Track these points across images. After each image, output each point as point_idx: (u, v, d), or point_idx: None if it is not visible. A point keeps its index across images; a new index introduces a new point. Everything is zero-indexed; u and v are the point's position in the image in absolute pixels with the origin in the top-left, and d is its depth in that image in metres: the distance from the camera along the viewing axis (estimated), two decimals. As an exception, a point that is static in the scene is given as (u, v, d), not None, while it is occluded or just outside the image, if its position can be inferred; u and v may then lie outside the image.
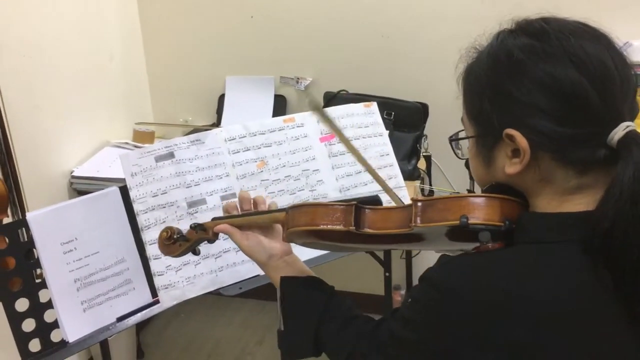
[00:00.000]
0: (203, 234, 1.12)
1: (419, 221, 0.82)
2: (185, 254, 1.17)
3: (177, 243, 1.15)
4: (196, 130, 2.53)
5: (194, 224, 1.13)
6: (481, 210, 0.78)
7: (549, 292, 0.70)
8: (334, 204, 0.93)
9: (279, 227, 1.07)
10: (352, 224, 0.89)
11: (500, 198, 0.79)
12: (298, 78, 2.51)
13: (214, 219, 1.13)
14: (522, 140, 0.74)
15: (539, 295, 0.70)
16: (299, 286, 1.02)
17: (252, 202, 1.11)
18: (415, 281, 2.64)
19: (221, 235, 1.12)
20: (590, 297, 0.71)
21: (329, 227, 0.91)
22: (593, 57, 0.73)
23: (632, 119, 0.75)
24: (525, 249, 0.75)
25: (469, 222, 0.77)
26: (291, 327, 1.00)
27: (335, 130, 1.04)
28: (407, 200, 1.01)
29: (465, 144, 0.87)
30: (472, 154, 0.85)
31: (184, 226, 1.34)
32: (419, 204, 0.83)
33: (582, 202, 0.75)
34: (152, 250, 1.32)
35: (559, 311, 0.69)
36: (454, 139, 0.89)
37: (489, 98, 0.78)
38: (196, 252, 1.18)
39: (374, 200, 0.95)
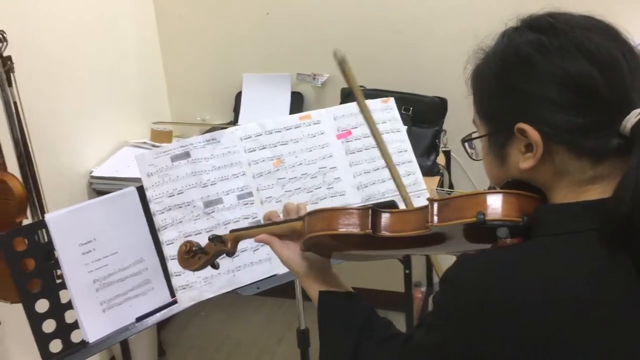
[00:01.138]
0: (222, 246, 1.11)
1: (435, 220, 0.81)
2: (204, 268, 1.16)
3: (197, 256, 1.13)
4: (214, 128, 2.53)
5: (212, 235, 1.12)
6: (498, 207, 0.77)
7: (570, 286, 0.69)
8: (350, 208, 0.92)
9: None
10: (369, 227, 0.88)
11: (517, 194, 0.78)
12: (315, 74, 2.50)
13: (231, 231, 1.12)
14: (534, 134, 0.75)
15: (560, 290, 0.69)
16: (339, 302, 1.00)
17: (296, 210, 1.09)
18: (435, 277, 2.62)
19: None
20: (612, 287, 0.70)
21: (346, 231, 0.90)
22: (601, 48, 0.73)
23: None
24: (544, 241, 0.74)
25: (486, 218, 0.76)
26: (329, 343, 0.98)
27: (363, 107, 1.03)
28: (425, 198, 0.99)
29: (479, 145, 0.87)
30: (485, 153, 0.85)
31: (201, 226, 1.34)
32: (435, 203, 0.82)
33: (599, 192, 0.75)
34: (169, 250, 1.31)
35: (581, 304, 0.68)
36: (467, 140, 0.89)
37: (499, 95, 0.79)
38: (215, 266, 1.16)
39: (391, 205, 0.94)
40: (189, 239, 1.21)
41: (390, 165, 1.11)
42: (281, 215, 1.11)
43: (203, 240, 1.31)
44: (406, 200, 1.15)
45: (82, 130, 2.20)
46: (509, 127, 0.77)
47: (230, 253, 1.12)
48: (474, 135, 0.87)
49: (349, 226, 0.90)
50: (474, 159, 0.91)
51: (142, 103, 2.56)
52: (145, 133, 2.50)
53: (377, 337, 0.93)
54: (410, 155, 1.55)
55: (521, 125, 0.75)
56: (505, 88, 0.78)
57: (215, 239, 1.11)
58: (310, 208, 1.41)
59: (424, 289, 2.61)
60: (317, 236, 0.94)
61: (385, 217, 0.89)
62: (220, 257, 1.15)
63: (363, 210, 0.90)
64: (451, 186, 2.25)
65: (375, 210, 0.90)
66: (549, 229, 0.75)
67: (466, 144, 0.90)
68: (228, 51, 2.60)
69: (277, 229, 1.05)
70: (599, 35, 0.75)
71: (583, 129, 0.73)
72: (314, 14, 2.44)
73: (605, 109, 0.73)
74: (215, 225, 1.34)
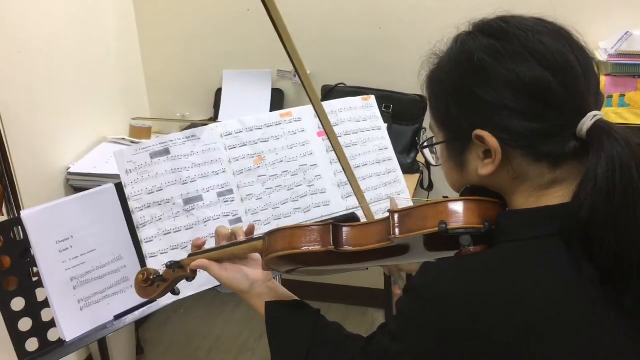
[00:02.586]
0: (181, 272, 1.09)
1: (397, 232, 0.81)
2: (164, 295, 1.13)
3: (155, 284, 1.11)
4: (193, 125, 2.52)
5: (170, 262, 1.10)
6: (459, 214, 0.77)
7: (534, 292, 0.69)
8: (310, 225, 0.90)
9: (257, 255, 1.04)
10: (330, 243, 0.87)
11: (477, 200, 0.78)
12: (295, 71, 2.49)
13: (190, 255, 1.09)
14: (492, 140, 0.74)
15: (524, 297, 0.69)
16: (285, 310, 0.99)
17: (229, 236, 1.08)
18: (415, 275, 2.64)
19: None
20: (576, 293, 0.70)
21: (308, 249, 0.88)
22: (554, 51, 0.73)
23: (598, 109, 0.74)
24: (507, 248, 0.74)
25: (448, 227, 0.76)
26: (280, 352, 0.97)
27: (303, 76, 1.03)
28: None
29: (439, 150, 0.87)
30: (444, 160, 0.84)
31: (181, 223, 1.33)
32: (396, 215, 0.82)
33: (558, 195, 0.75)
34: (149, 248, 1.30)
35: (546, 310, 0.68)
36: (425, 146, 0.88)
37: (455, 102, 0.78)
38: (175, 292, 1.14)
39: (351, 218, 0.94)
40: (146, 267, 1.17)
41: (346, 169, 1.10)
42: (211, 243, 1.09)
43: (183, 238, 1.30)
44: (365, 210, 1.13)
45: (59, 126, 2.17)
46: (467, 134, 0.77)
47: (190, 278, 1.09)
48: (434, 141, 0.86)
49: (311, 244, 0.88)
50: (433, 165, 0.90)
51: (121, 99, 2.53)
52: (124, 129, 2.48)
53: (330, 340, 0.93)
54: (391, 152, 1.55)
55: (479, 132, 0.75)
56: (461, 95, 0.77)
57: (173, 265, 1.09)
58: (291, 206, 1.42)
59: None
60: (278, 256, 0.92)
61: (346, 232, 0.88)
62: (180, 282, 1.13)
63: (323, 226, 0.89)
64: (431, 184, 2.26)
65: (335, 225, 0.89)
66: (511, 235, 0.75)
67: (424, 151, 0.89)
68: (208, 47, 2.58)
69: (237, 249, 1.03)
70: (551, 38, 0.75)
71: (540, 133, 0.73)
72: (295, 10, 2.43)
73: (561, 113, 0.73)
74: (195, 222, 1.33)
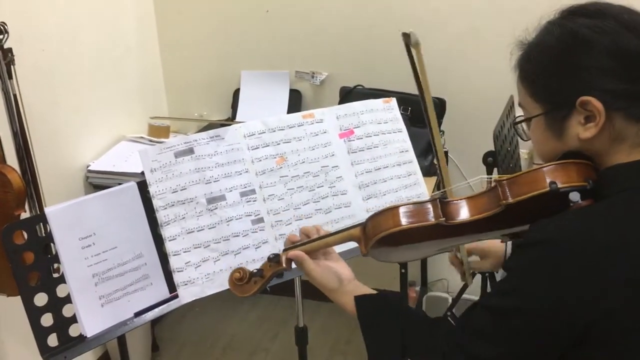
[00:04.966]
0: (276, 266, 1.09)
1: (510, 197, 0.87)
2: (259, 292, 1.12)
3: (252, 280, 1.11)
4: (211, 124, 2.53)
5: (272, 254, 1.10)
6: (563, 175, 0.86)
7: None
8: (414, 203, 0.97)
9: (336, 253, 1.12)
10: (441, 215, 0.93)
11: (574, 162, 0.86)
12: (313, 73, 2.50)
13: (284, 250, 1.11)
14: (597, 104, 0.83)
15: None
16: (374, 301, 1.05)
17: (316, 232, 1.12)
18: (430, 277, 2.63)
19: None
20: None
21: (418, 224, 0.94)
22: None
23: None
24: (622, 198, 0.82)
25: (559, 186, 0.84)
26: (376, 340, 1.02)
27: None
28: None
29: (532, 124, 0.94)
30: (540, 131, 0.92)
31: (204, 222, 1.33)
32: (504, 182, 0.89)
33: None
34: (172, 246, 1.31)
35: None
36: (517, 122, 0.96)
37: (558, 75, 0.87)
38: (266, 290, 1.15)
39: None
40: (241, 265, 1.18)
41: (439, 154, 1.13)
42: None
43: (206, 237, 1.31)
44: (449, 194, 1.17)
45: (80, 124, 2.19)
46: (570, 102, 0.85)
47: (282, 272, 1.11)
48: (527, 116, 0.93)
49: (420, 219, 0.95)
50: (524, 140, 0.99)
51: (140, 98, 2.55)
52: (142, 128, 2.50)
53: (421, 324, 1.01)
54: (411, 155, 1.55)
55: (584, 98, 0.83)
56: (565, 68, 0.86)
57: (273, 259, 1.10)
58: (312, 207, 1.42)
59: (418, 288, 2.63)
60: (385, 236, 0.96)
61: (453, 205, 0.95)
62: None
63: (430, 202, 0.96)
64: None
65: (442, 200, 0.96)
66: (622, 186, 0.84)
67: (517, 127, 0.98)
68: (227, 48, 2.59)
69: (333, 239, 1.07)
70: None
71: (638, 95, 0.83)
72: (314, 12, 2.43)
73: None
74: (218, 221, 1.34)
